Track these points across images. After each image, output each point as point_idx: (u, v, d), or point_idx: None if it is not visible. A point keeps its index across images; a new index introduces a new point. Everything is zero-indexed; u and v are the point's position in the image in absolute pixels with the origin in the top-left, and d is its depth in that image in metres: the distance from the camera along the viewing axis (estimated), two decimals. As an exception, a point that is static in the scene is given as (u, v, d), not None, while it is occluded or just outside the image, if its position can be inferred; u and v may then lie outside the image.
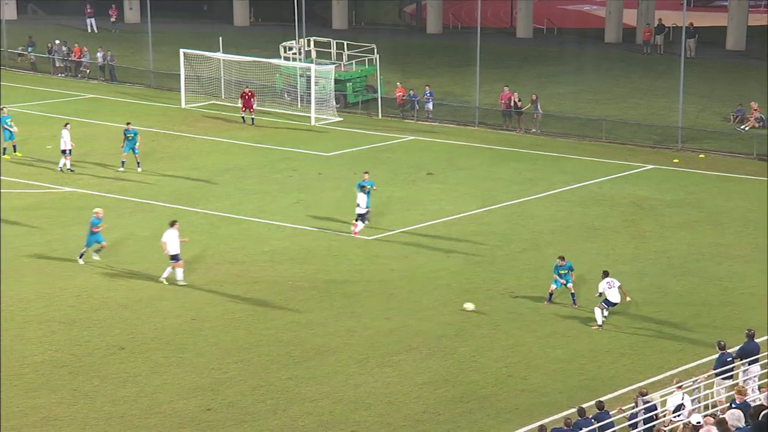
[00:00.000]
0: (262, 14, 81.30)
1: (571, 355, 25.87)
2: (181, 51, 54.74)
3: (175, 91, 55.55)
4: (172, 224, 30.28)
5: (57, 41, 63.35)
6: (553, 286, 28.79)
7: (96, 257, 31.28)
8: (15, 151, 43.11)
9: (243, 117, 49.88)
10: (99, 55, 61.39)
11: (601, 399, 21.57)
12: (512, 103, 50.39)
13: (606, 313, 27.74)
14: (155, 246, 32.87)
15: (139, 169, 41.23)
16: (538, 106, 50.19)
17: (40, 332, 26.55)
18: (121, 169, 41.14)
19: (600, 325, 27.44)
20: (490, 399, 23.63)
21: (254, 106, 50.13)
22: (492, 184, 41.14)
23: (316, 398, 23.47)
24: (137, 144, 41.16)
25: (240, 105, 50.14)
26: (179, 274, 29.85)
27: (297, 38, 55.73)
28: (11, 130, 43.07)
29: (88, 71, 61.56)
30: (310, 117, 51.15)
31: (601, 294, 27.61)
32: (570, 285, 28.69)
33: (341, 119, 51.80)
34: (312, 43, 56.00)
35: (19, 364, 24.74)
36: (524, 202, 38.57)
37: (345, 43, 55.28)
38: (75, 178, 40.36)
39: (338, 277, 30.76)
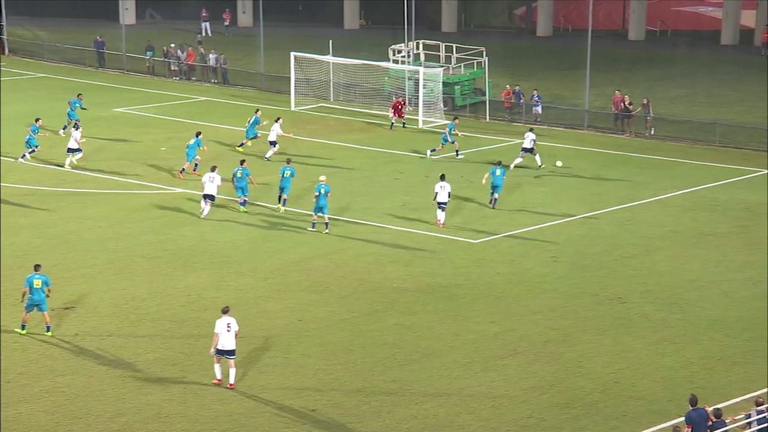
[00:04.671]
0: (371, 17, 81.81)
1: (681, 363, 25.38)
2: (292, 54, 55.47)
3: (285, 94, 56.30)
4: (213, 169, 35.90)
5: (172, 45, 64.83)
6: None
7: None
8: (241, 146, 45.50)
9: (392, 123, 50.50)
10: (212, 57, 62.64)
11: (719, 407, 21.05)
12: (623, 106, 49.73)
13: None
14: (262, 248, 33.43)
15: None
16: (650, 110, 49.40)
17: (152, 330, 27.18)
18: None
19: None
20: (597, 405, 23.33)
21: (404, 114, 50.67)
22: (600, 188, 40.65)
23: (420, 401, 23.50)
24: None
25: (391, 114, 50.67)
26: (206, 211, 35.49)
27: (406, 41, 55.94)
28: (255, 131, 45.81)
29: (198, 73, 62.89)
30: (417, 120, 51.30)
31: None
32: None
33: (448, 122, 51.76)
34: (421, 46, 56.15)
35: (133, 361, 25.37)
36: (633, 207, 38.00)
37: (454, 46, 55.28)
38: (187, 180, 41.16)
39: (443, 280, 30.76)
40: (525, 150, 42.60)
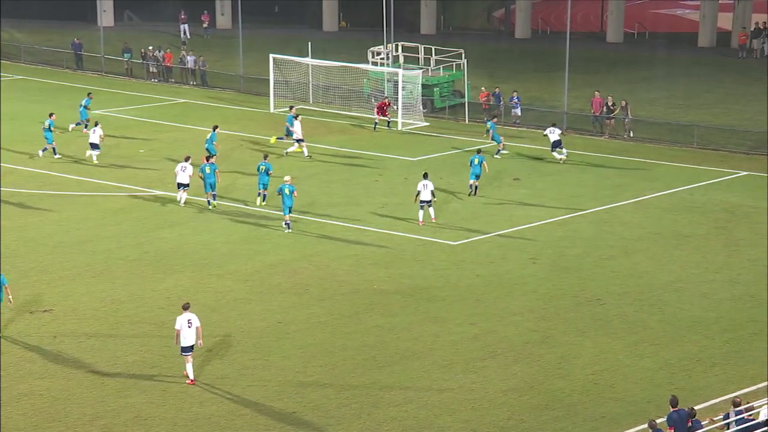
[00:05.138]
0: (350, 19, 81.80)
1: (659, 364, 25.48)
2: (271, 56, 55.37)
3: (264, 96, 56.22)
4: (187, 159, 37.45)
5: (150, 47, 64.59)
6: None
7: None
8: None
9: (376, 123, 50.58)
10: (190, 59, 62.44)
11: (694, 407, 21.17)
12: (604, 107, 49.94)
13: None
14: (242, 250, 33.36)
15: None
16: (628, 112, 49.61)
17: (131, 333, 27.08)
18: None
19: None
20: (576, 407, 23.40)
21: (388, 113, 50.76)
22: (579, 190, 40.79)
23: (401, 403, 23.51)
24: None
25: (375, 114, 50.79)
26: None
27: (385, 43, 55.96)
28: (291, 129, 45.67)
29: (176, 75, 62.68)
30: (397, 122, 51.32)
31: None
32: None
33: (428, 124, 51.87)
34: (400, 48, 56.19)
35: (112, 363, 25.27)
36: (612, 209, 38.15)
37: (433, 48, 55.34)
38: (166, 182, 41.03)
39: (423, 282, 30.79)
40: (555, 145, 44.27)
